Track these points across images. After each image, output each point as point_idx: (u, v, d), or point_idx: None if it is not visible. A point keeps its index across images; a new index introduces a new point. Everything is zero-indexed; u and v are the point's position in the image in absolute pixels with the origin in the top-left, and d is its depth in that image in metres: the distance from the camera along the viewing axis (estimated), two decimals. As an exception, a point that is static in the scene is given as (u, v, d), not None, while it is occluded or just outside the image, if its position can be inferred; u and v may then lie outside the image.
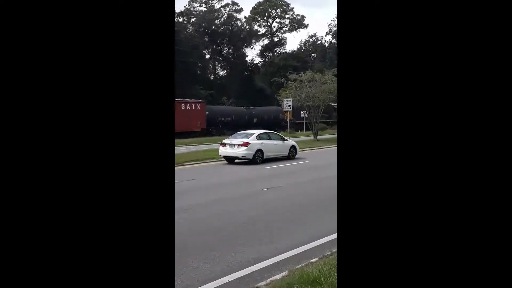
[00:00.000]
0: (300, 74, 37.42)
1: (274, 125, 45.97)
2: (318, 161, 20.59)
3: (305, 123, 41.79)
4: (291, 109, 34.96)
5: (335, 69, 36.94)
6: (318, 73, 38.05)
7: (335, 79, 34.94)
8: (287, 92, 36.44)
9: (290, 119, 38.49)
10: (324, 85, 35.22)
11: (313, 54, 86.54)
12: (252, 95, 67.36)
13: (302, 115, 43.79)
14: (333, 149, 26.95)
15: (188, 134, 39.32)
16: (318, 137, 36.62)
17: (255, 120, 47.29)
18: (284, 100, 35.03)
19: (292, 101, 35.24)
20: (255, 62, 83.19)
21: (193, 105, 42.53)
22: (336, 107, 42.23)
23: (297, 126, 47.31)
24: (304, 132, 44.43)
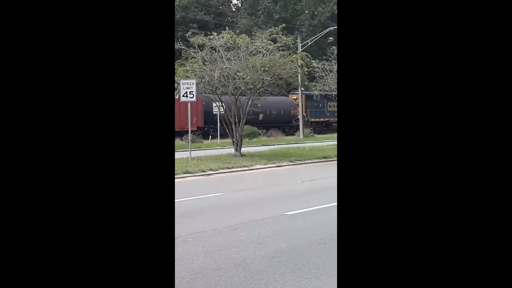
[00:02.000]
0: (211, 37, 22.23)
1: (285, 123, 39.61)
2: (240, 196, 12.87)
3: (222, 121, 26.99)
4: (194, 98, 19.69)
5: (274, 29, 21.75)
6: (243, 35, 22.82)
7: (273, 47, 20.00)
8: (187, 67, 21.53)
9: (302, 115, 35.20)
10: (254, 56, 21.01)
11: (235, 1, 64.14)
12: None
13: (215, 110, 28.13)
14: (267, 172, 18.57)
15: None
16: (243, 149, 22.26)
17: (261, 117, 37.97)
18: (182, 82, 19.92)
19: (198, 84, 20.52)
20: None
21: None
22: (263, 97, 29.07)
23: (317, 127, 41.75)
24: (219, 141, 29.29)
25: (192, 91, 19.57)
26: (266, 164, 19.49)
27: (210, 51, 21.47)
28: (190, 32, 23.39)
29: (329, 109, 42.31)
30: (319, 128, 42.65)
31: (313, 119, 41.86)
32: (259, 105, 36.63)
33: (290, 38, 23.70)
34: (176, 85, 21.47)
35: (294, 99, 40.37)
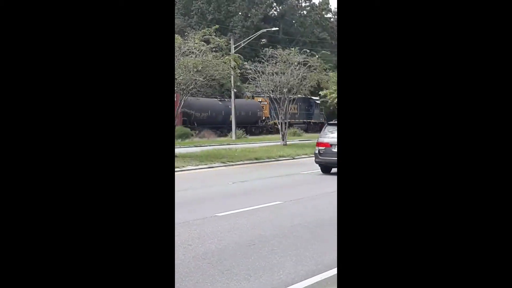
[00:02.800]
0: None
1: (252, 124, 43.26)
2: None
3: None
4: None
5: (207, 30, 21.68)
6: (176, 35, 22.58)
7: (206, 47, 19.93)
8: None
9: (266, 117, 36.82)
10: (186, 57, 20.88)
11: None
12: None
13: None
14: (199, 173, 18.19)
15: None
16: (175, 150, 21.34)
17: (231, 118, 41.89)
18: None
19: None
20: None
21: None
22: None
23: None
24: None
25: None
26: (198, 165, 19.37)
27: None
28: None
29: (290, 111, 43.71)
30: None
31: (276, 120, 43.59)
32: (230, 107, 39.80)
33: (223, 39, 23.78)
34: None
35: (259, 101, 42.76)
